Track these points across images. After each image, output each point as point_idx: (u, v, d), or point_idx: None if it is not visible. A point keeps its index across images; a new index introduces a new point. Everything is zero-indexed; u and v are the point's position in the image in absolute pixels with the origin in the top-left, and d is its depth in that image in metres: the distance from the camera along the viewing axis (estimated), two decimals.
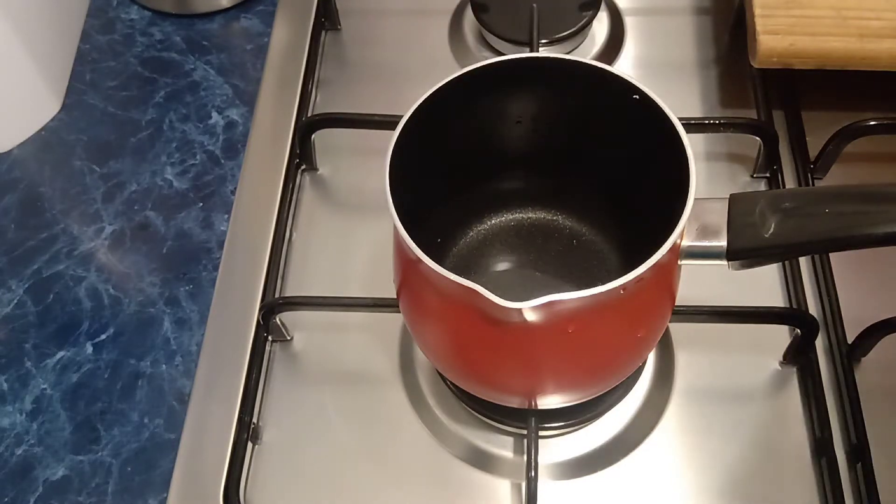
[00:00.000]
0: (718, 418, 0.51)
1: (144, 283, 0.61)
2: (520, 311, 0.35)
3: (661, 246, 0.37)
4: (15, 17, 0.64)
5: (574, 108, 0.46)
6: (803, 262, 0.55)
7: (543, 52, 0.63)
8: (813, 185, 0.58)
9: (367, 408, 0.53)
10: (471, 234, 0.54)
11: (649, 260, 0.37)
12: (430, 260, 0.37)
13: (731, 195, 0.40)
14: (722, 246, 0.39)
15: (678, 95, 0.65)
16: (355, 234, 0.60)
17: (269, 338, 0.55)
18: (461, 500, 0.50)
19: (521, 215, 0.55)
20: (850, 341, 0.52)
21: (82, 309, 0.60)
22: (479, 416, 0.51)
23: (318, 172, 0.63)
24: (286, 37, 0.69)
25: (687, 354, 0.53)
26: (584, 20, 0.65)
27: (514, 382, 0.45)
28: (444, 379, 0.52)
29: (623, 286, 0.36)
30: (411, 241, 0.38)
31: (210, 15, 0.75)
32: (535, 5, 0.65)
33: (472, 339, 0.41)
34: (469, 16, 0.69)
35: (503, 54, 0.44)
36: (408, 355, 0.54)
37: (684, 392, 0.52)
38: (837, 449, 0.49)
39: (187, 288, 0.60)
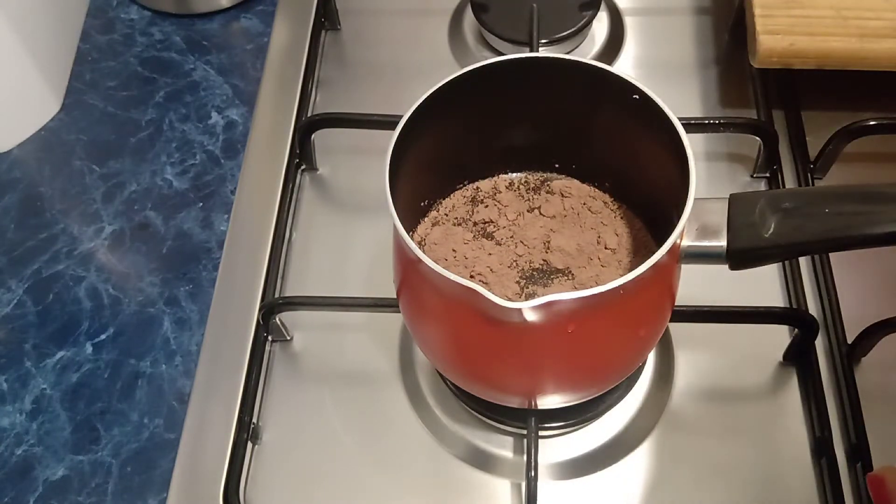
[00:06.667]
0: (718, 418, 0.51)
1: (144, 283, 0.61)
2: (520, 311, 0.35)
3: (660, 246, 0.37)
4: (15, 17, 0.64)
5: (574, 109, 0.46)
6: (803, 262, 0.55)
7: (543, 52, 0.63)
8: (813, 185, 0.58)
9: (367, 408, 0.53)
10: None
11: (649, 260, 0.37)
12: (430, 260, 0.37)
13: (731, 195, 0.40)
14: (722, 246, 0.39)
15: (678, 95, 0.65)
16: (355, 234, 0.60)
17: (269, 338, 0.55)
18: (461, 500, 0.50)
19: None
20: (850, 341, 0.52)
21: (82, 309, 0.60)
22: (479, 416, 0.51)
23: (318, 172, 0.63)
24: (286, 37, 0.69)
25: (687, 354, 0.53)
26: (584, 20, 0.65)
27: (514, 382, 0.45)
28: (444, 379, 0.52)
29: (623, 286, 0.36)
30: (411, 241, 0.38)
31: (210, 15, 0.75)
32: (535, 5, 0.65)
33: (472, 339, 0.41)
34: (469, 16, 0.69)
35: (503, 54, 0.44)
36: (408, 355, 0.54)
37: (684, 392, 0.52)
38: (837, 449, 0.49)
39: (187, 288, 0.60)
